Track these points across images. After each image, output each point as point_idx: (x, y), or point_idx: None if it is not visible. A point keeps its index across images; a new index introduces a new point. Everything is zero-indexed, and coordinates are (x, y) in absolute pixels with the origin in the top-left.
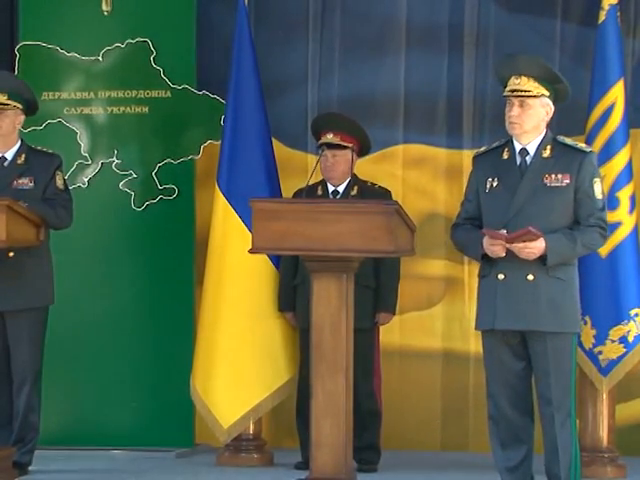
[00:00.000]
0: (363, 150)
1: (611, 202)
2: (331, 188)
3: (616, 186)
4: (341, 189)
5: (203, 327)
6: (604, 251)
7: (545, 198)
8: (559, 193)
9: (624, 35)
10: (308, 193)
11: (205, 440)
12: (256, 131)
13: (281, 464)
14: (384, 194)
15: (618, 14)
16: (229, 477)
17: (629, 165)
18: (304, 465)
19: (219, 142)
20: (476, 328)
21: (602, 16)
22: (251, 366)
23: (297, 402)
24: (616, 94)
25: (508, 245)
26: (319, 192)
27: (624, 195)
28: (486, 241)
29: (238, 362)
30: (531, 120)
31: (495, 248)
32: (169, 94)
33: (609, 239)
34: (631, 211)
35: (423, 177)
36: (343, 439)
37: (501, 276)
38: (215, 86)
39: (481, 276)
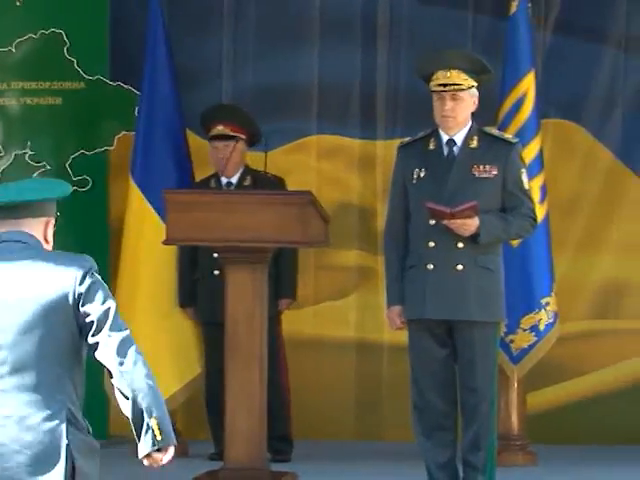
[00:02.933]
0: (253, 140)
1: None
2: (224, 180)
3: (527, 176)
4: (234, 180)
5: None
6: (515, 241)
7: (474, 189)
8: (488, 184)
9: (535, 25)
10: (200, 188)
11: (119, 431)
12: (170, 122)
13: (196, 455)
14: (277, 182)
15: (529, 5)
16: (144, 468)
17: (540, 155)
18: (218, 456)
19: (133, 133)
20: (405, 318)
21: (513, 7)
22: (164, 358)
23: (206, 396)
24: (527, 85)
25: (446, 222)
26: (212, 185)
27: (535, 185)
28: (390, 321)
29: (151, 354)
30: (463, 112)
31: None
32: (83, 85)
33: None
34: (542, 201)
35: (337, 168)
36: (257, 430)
37: (430, 266)
38: (129, 77)
39: (409, 266)
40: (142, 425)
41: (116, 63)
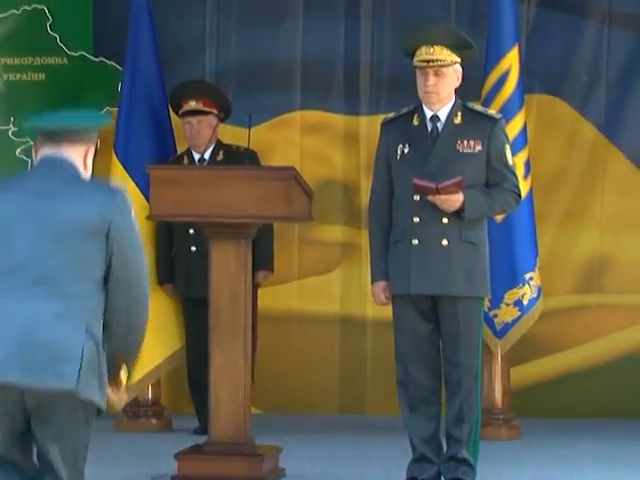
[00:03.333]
0: (225, 115)
1: None
2: (197, 156)
3: (511, 151)
4: (207, 156)
5: None
6: (499, 216)
7: (458, 164)
8: (472, 159)
9: (519, 1)
10: (174, 165)
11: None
12: (153, 98)
13: (180, 429)
14: (250, 155)
15: None
16: (128, 442)
17: (524, 130)
18: (202, 430)
19: (116, 109)
20: (389, 293)
21: None
22: (147, 331)
23: (188, 371)
24: (511, 60)
25: (431, 198)
26: (185, 162)
27: (519, 160)
28: (375, 296)
29: None
30: (446, 88)
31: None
32: (66, 61)
33: None
34: (526, 176)
35: (320, 143)
36: (241, 403)
37: (415, 241)
38: (112, 53)
39: (393, 242)
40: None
41: (99, 39)
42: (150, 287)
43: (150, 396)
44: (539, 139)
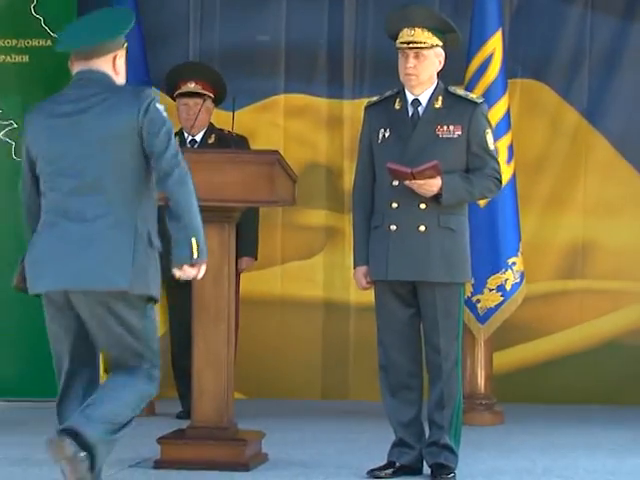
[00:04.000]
0: (219, 99)
1: None
2: (189, 138)
3: (494, 136)
4: (198, 138)
5: None
6: (482, 201)
7: (437, 149)
8: (451, 144)
9: None
10: None
11: None
12: (137, 81)
13: (163, 414)
14: (241, 141)
15: None
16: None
17: (507, 115)
18: (185, 414)
19: None
20: (370, 278)
21: None
22: None
23: (171, 356)
24: (494, 45)
25: (408, 182)
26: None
27: (502, 145)
28: (357, 281)
29: None
30: (427, 71)
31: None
32: (49, 43)
33: None
34: (509, 161)
35: (304, 127)
36: (224, 388)
37: (393, 227)
38: None
39: (374, 227)
40: (182, 239)
41: None
42: None
43: None
44: (522, 124)
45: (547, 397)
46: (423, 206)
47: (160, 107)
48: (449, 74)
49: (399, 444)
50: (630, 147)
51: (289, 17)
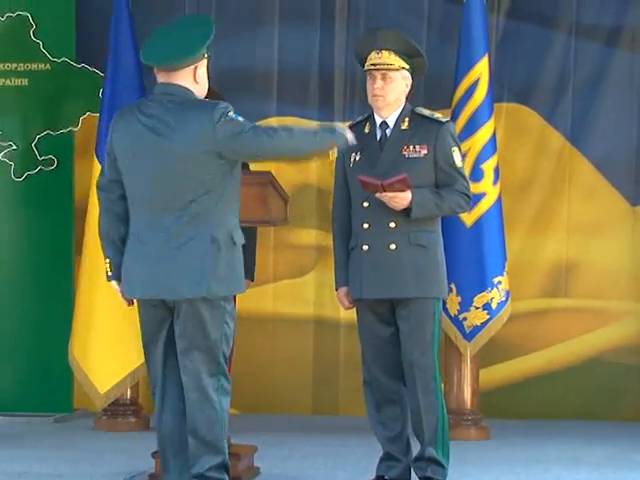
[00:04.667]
0: None
1: (476, 174)
2: None
3: (481, 158)
4: None
5: (81, 295)
6: (469, 221)
7: (404, 168)
8: (418, 163)
9: (489, 11)
10: None
11: (83, 405)
12: (133, 99)
13: None
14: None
15: None
16: (106, 441)
17: (493, 138)
18: None
19: (97, 114)
20: (350, 298)
21: None
22: (126, 333)
23: None
24: (481, 69)
25: (379, 195)
26: None
27: (488, 167)
28: (340, 302)
29: (114, 329)
30: (393, 93)
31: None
32: (48, 67)
33: (474, 209)
34: (495, 182)
35: None
36: None
37: (365, 247)
38: (94, 59)
39: (351, 248)
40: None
41: (81, 45)
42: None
43: (128, 396)
44: (508, 147)
45: (532, 413)
46: (393, 225)
47: (234, 115)
48: (436, 98)
49: (386, 458)
50: (612, 169)
51: (281, 41)
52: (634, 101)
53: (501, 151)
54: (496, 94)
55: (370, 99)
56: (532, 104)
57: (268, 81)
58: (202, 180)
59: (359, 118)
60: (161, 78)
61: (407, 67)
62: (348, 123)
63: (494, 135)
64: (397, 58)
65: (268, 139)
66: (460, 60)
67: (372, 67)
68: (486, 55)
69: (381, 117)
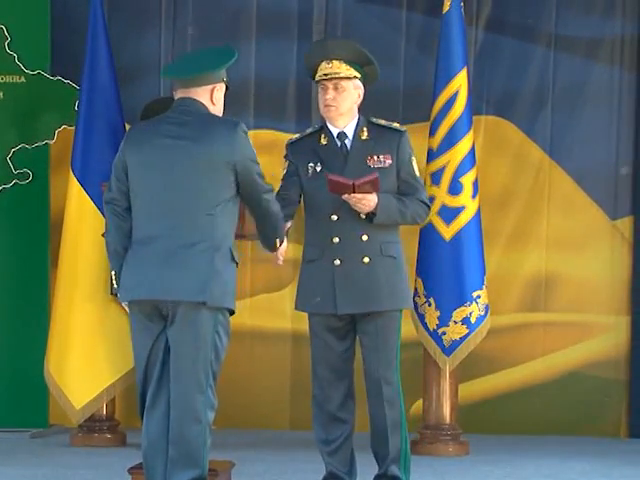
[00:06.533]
0: None
1: (455, 187)
2: None
3: (460, 171)
4: None
5: (57, 309)
6: (448, 234)
7: None
8: (384, 173)
9: (467, 24)
10: None
11: (59, 421)
12: (109, 116)
13: (134, 444)
14: None
15: (462, 4)
16: (83, 457)
17: (472, 151)
18: None
19: (73, 127)
20: (296, 308)
21: (447, 6)
22: (103, 349)
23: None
24: (460, 82)
25: (346, 196)
26: None
27: (467, 180)
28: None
29: (90, 345)
30: (346, 102)
31: None
32: (23, 79)
33: (453, 223)
34: (474, 196)
35: (273, 162)
36: None
37: (337, 262)
38: (69, 72)
39: (308, 260)
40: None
41: (57, 58)
42: (104, 303)
43: (105, 412)
44: (487, 160)
45: (511, 428)
46: (365, 237)
47: (249, 142)
48: (415, 111)
49: (329, 477)
50: (591, 182)
51: (258, 55)
52: (614, 114)
53: (480, 164)
54: (475, 107)
55: (322, 110)
56: (511, 117)
57: (245, 94)
58: (217, 191)
59: (309, 130)
60: (180, 94)
61: (359, 76)
62: (296, 135)
63: (473, 148)
64: (348, 67)
65: (270, 194)
66: (439, 73)
67: (323, 77)
68: (465, 68)
69: (337, 127)
